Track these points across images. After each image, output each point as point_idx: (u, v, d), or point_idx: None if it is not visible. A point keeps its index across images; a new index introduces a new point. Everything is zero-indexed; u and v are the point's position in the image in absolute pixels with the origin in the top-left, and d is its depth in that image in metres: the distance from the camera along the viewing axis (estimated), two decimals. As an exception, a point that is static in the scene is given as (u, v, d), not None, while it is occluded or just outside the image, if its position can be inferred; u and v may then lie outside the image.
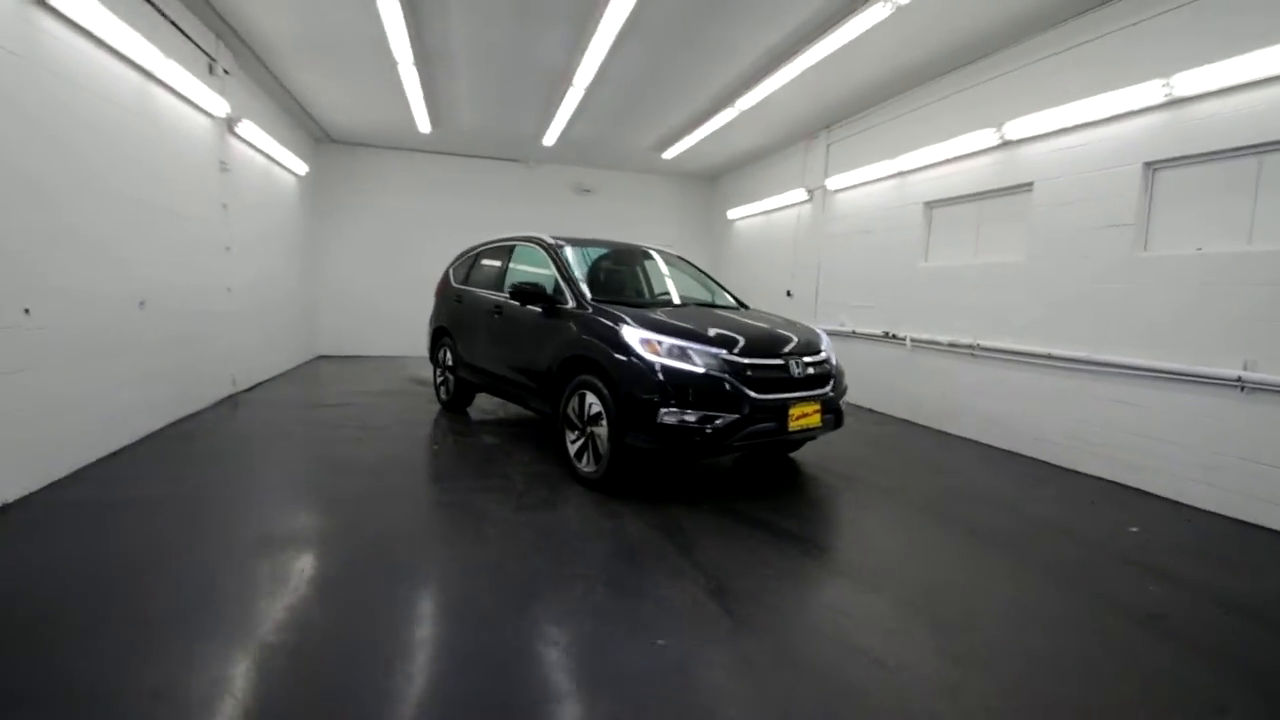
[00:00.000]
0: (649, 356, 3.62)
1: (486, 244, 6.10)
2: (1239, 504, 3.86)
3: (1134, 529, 3.68)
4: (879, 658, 2.23)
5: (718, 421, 3.52)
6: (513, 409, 6.58)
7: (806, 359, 4.00)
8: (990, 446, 5.58)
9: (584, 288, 4.42)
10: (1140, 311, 4.44)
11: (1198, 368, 4.04)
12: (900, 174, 6.84)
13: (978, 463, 5.15)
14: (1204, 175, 4.16)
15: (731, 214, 10.92)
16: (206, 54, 5.56)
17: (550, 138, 8.96)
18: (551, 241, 4.97)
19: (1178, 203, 4.31)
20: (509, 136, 9.37)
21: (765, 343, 3.93)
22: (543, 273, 4.88)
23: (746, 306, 5.19)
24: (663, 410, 3.50)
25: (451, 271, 6.54)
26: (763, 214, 10.02)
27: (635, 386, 3.59)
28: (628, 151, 10.00)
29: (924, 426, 6.41)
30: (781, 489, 4.19)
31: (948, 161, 6.17)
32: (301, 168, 8.54)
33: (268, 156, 7.38)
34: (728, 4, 4.93)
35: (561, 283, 4.53)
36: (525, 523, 3.38)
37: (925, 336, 6.42)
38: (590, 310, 4.16)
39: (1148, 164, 4.43)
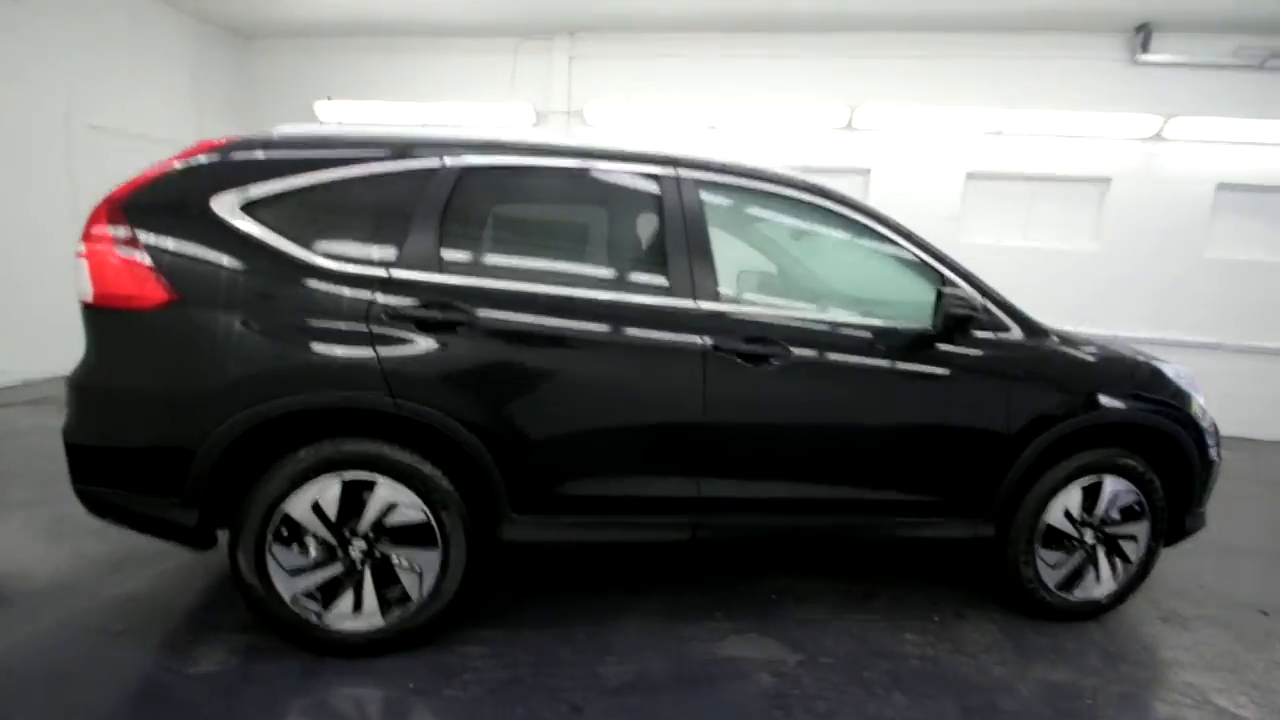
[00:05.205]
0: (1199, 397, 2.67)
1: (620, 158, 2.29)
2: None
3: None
4: None
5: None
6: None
7: None
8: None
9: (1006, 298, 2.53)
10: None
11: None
12: (713, 128, 6.28)
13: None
14: (999, 188, 6.04)
15: (329, 108, 6.89)
16: None
17: None
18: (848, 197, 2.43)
19: (982, 205, 6.09)
20: None
21: None
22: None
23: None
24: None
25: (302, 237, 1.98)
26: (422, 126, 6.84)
27: (1201, 444, 2.59)
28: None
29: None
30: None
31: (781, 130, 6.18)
32: None
33: None
34: None
35: (976, 293, 2.42)
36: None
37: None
38: (1055, 341, 2.51)
39: (969, 174, 6.00)
